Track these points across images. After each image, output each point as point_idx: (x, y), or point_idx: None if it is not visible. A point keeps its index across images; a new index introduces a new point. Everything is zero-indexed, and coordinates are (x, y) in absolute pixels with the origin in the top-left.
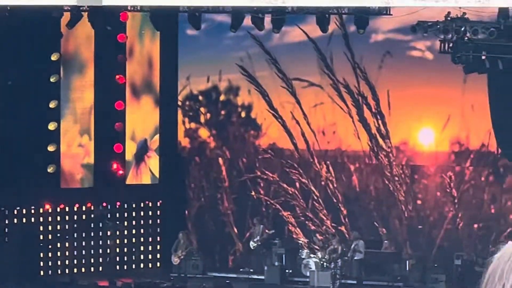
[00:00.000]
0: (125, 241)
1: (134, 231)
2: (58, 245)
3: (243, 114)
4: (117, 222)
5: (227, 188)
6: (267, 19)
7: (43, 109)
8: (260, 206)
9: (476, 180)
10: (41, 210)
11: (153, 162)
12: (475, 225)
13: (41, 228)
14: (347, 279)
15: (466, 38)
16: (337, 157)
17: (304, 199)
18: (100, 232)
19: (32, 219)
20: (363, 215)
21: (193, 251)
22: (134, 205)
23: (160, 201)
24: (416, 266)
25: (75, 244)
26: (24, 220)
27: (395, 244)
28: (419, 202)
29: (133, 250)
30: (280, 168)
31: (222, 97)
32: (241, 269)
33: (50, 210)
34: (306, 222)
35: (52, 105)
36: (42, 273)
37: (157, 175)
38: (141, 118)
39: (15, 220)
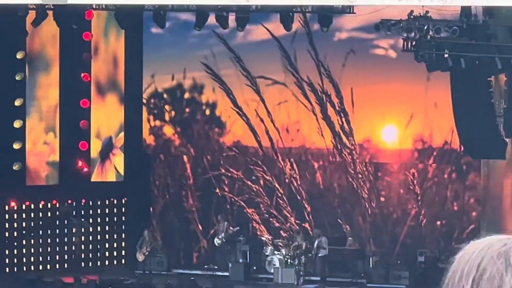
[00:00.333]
0: (90, 238)
1: (99, 228)
2: (24, 242)
3: (207, 112)
4: (82, 219)
5: (191, 185)
6: (231, 17)
7: (9, 107)
8: (224, 203)
9: (439, 177)
10: (6, 208)
11: (118, 160)
12: (438, 222)
13: (7, 225)
14: (311, 275)
15: (429, 37)
16: (301, 155)
17: (268, 196)
18: (65, 229)
19: None
20: (327, 212)
21: (157, 248)
22: (99, 202)
23: (125, 199)
24: (380, 262)
25: (41, 241)
26: None
27: (358, 241)
28: (382, 199)
29: (98, 247)
30: (245, 165)
31: (186, 95)
32: (205, 266)
33: (15, 208)
34: (270, 219)
35: (17, 103)
36: (7, 270)
37: (122, 172)
38: (106, 116)
39: None
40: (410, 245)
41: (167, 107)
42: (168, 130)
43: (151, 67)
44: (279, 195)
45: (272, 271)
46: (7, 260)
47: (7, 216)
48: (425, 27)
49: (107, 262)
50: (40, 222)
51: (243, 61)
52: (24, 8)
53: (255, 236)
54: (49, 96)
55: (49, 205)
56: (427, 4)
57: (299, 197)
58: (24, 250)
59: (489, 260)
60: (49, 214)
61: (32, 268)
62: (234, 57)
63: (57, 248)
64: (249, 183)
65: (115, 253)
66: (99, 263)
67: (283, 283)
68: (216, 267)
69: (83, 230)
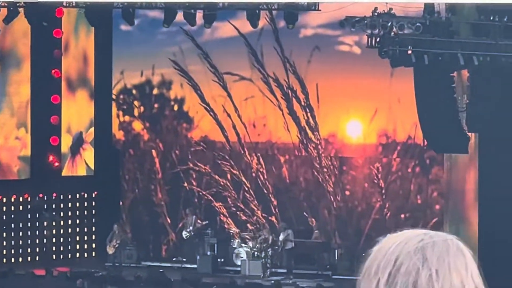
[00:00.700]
0: (61, 231)
1: (70, 222)
2: None
3: (175, 108)
4: (53, 213)
5: (160, 179)
6: (199, 14)
7: None
8: (192, 197)
9: (403, 171)
10: None
11: (88, 154)
12: (402, 215)
13: None
14: (277, 268)
15: (392, 33)
16: (267, 149)
17: (235, 190)
18: (37, 223)
19: None
20: (293, 205)
21: (127, 241)
22: (69, 196)
23: (95, 192)
24: (345, 255)
25: (13, 234)
26: None
27: (324, 233)
28: (347, 193)
29: (69, 240)
30: (212, 160)
31: (155, 91)
32: (174, 259)
33: None
34: (238, 212)
35: None
36: None
37: (92, 167)
38: (76, 112)
39: None
40: (374, 238)
41: (136, 102)
42: (137, 126)
43: (121, 63)
44: (246, 189)
45: (239, 263)
46: None
47: None
48: (389, 24)
49: (77, 255)
50: (12, 216)
51: (210, 57)
52: None
53: (222, 229)
54: (21, 92)
55: (20, 199)
56: (391, 1)
57: (265, 191)
58: None
59: (406, 255)
60: (20, 207)
61: (4, 260)
62: (201, 54)
63: (29, 241)
64: (217, 177)
65: (85, 246)
66: (70, 256)
67: (250, 275)
68: (184, 259)
69: (54, 223)
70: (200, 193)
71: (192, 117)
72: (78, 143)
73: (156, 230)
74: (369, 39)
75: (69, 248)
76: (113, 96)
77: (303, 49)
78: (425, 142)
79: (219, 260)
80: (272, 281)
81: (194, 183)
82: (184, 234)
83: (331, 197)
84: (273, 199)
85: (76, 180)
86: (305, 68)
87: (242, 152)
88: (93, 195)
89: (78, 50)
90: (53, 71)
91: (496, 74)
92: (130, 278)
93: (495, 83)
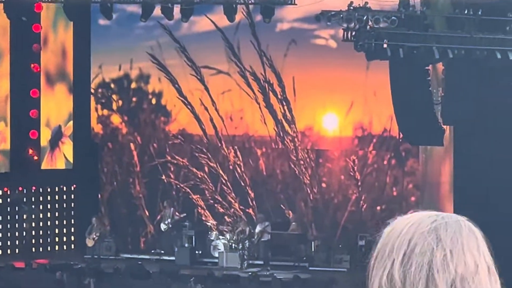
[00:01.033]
0: (41, 224)
1: (49, 215)
2: None
3: (153, 101)
4: (33, 206)
5: (138, 172)
6: (176, 9)
7: None
8: (170, 190)
9: (379, 163)
10: None
11: (67, 148)
12: (378, 207)
13: None
14: (254, 259)
15: (368, 27)
16: (244, 142)
17: (213, 183)
18: (16, 216)
19: None
20: (270, 198)
21: (106, 234)
22: (49, 189)
23: (74, 186)
24: (321, 247)
25: None
26: None
27: (301, 225)
28: (324, 185)
29: (48, 232)
30: (190, 153)
31: (133, 85)
32: (152, 251)
33: None
34: (215, 205)
35: None
36: None
37: (71, 160)
38: (55, 106)
39: None
40: (351, 230)
41: (114, 96)
42: (116, 119)
43: (99, 57)
44: (224, 181)
45: (217, 255)
46: None
47: None
48: (365, 18)
49: (57, 247)
50: None
51: (188, 51)
52: None
53: (200, 222)
54: (0, 87)
55: (0, 192)
56: None
57: (242, 184)
58: None
59: (420, 236)
60: (0, 201)
61: None
62: (179, 48)
63: (8, 234)
64: (194, 170)
65: (64, 239)
66: (49, 248)
67: (227, 267)
68: (162, 251)
69: (33, 216)
70: (178, 186)
71: (170, 110)
72: (57, 136)
73: (135, 222)
74: (345, 33)
75: (48, 240)
76: (92, 90)
77: (280, 43)
78: (401, 135)
79: (197, 252)
80: (250, 273)
81: (172, 176)
82: (162, 226)
83: (308, 189)
84: (250, 192)
85: (55, 174)
86: (282, 61)
87: (220, 145)
88: (72, 188)
89: (57, 45)
90: (32, 65)
91: (471, 67)
92: (109, 270)
93: (470, 76)
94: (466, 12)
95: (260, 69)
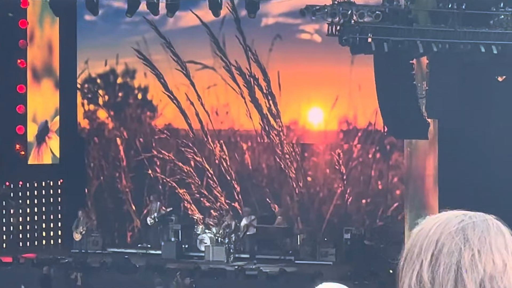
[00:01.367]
0: (28, 218)
1: (36, 209)
2: None
3: (139, 96)
4: (20, 201)
5: (125, 167)
6: (162, 4)
7: None
8: (156, 184)
9: (364, 157)
10: None
11: (53, 143)
12: (363, 201)
13: None
14: (240, 253)
15: (352, 21)
16: (230, 137)
17: (199, 177)
18: (3, 211)
19: None
20: (255, 192)
21: (93, 228)
22: (35, 184)
23: (61, 180)
24: (307, 240)
25: None
26: None
27: (286, 219)
28: (309, 179)
29: (35, 227)
30: (176, 147)
31: (119, 80)
32: (139, 245)
33: None
34: (201, 199)
35: None
36: None
37: (58, 155)
38: (42, 101)
39: None
40: (336, 223)
41: (100, 91)
42: (102, 114)
43: (85, 53)
44: (210, 175)
45: (203, 249)
46: None
47: None
48: (349, 12)
49: (44, 242)
50: None
51: (173, 46)
52: None
53: (186, 216)
54: None
55: None
56: None
57: (228, 178)
58: None
59: (447, 236)
60: None
61: None
62: (164, 43)
63: None
64: (180, 164)
65: (51, 233)
66: (36, 243)
67: (214, 261)
68: (149, 245)
69: (20, 211)
70: (164, 180)
71: (156, 105)
72: (43, 132)
73: (121, 217)
74: (330, 27)
75: (36, 235)
76: (78, 85)
77: (265, 37)
78: (385, 128)
79: (183, 246)
80: (236, 267)
81: (158, 170)
82: (149, 220)
83: (293, 183)
84: (236, 186)
85: (42, 168)
86: (267, 56)
87: (205, 139)
88: (59, 183)
89: (43, 40)
90: (18, 61)
91: (455, 61)
92: (95, 265)
93: (454, 70)
94: (450, 6)
95: (245, 63)
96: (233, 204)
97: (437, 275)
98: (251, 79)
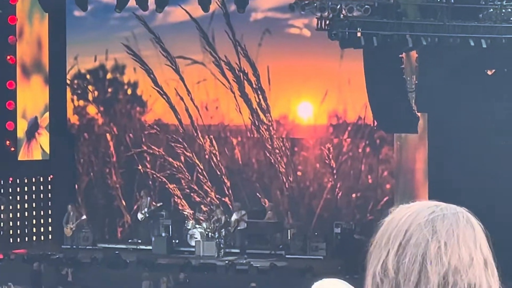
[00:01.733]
0: (18, 215)
1: (26, 205)
2: None
3: (129, 92)
4: (10, 197)
5: (115, 163)
6: (151, 0)
7: None
8: (147, 180)
9: (354, 151)
10: None
11: (43, 139)
12: (353, 195)
13: None
14: (231, 248)
15: (342, 16)
16: (220, 131)
17: (189, 172)
18: None
19: None
20: (246, 186)
21: (83, 224)
22: (26, 180)
23: (51, 176)
24: (297, 235)
25: None
26: None
27: (277, 214)
28: (299, 173)
29: (26, 223)
30: (166, 142)
31: (109, 76)
32: (129, 240)
33: None
34: (191, 194)
35: None
36: None
37: (48, 151)
38: (31, 97)
39: None
40: (326, 218)
41: (90, 87)
42: (92, 110)
43: (74, 49)
44: (200, 170)
45: (193, 244)
46: None
47: None
48: (338, 7)
49: (34, 238)
50: None
51: (163, 42)
52: None
53: (177, 211)
54: None
55: None
56: None
57: (218, 173)
58: None
59: (417, 227)
60: None
61: None
62: (154, 38)
63: None
64: (170, 159)
65: (42, 229)
66: (26, 239)
67: (204, 256)
68: (139, 241)
69: (11, 207)
70: (154, 176)
71: (146, 100)
72: (33, 128)
73: (111, 212)
74: (319, 22)
75: (26, 231)
76: (68, 81)
77: (254, 32)
78: (375, 123)
79: (173, 241)
80: (226, 261)
81: (148, 166)
82: (139, 216)
83: (283, 177)
84: (226, 181)
85: (32, 164)
86: (256, 51)
87: (195, 134)
88: (49, 179)
89: (33, 36)
90: (8, 57)
91: (444, 54)
92: (86, 260)
93: (443, 64)
94: (439, 0)
95: (235, 58)
96: (223, 199)
97: (402, 265)
98: (241, 74)
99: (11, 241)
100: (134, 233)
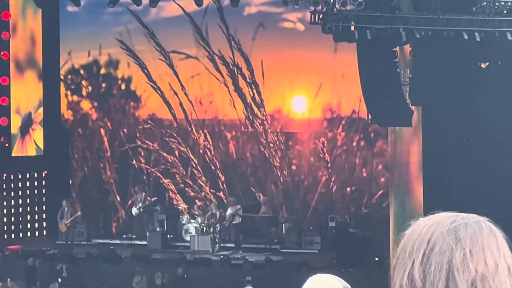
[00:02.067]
0: (12, 210)
1: (20, 201)
2: None
3: (123, 87)
4: (4, 193)
5: (109, 158)
6: None
7: None
8: (141, 175)
9: (348, 145)
10: None
11: (37, 135)
12: (348, 189)
13: None
14: (226, 242)
15: (335, 10)
16: (214, 126)
17: (183, 167)
18: None
19: None
20: (240, 181)
21: (78, 219)
22: (20, 176)
23: (45, 172)
24: (292, 229)
25: None
26: None
27: (271, 208)
28: (294, 167)
29: (20, 219)
30: (160, 137)
31: (102, 71)
32: (124, 235)
33: None
34: (186, 189)
35: None
36: None
37: (42, 147)
38: (25, 93)
39: None
40: (321, 211)
41: (84, 82)
42: (86, 105)
43: (68, 44)
44: (194, 165)
45: (188, 239)
46: None
47: None
48: (332, 0)
49: (29, 234)
50: None
51: (156, 36)
52: None
53: (171, 206)
54: None
55: None
56: None
57: (213, 167)
58: None
59: (439, 235)
60: None
61: None
62: (147, 33)
63: None
64: (165, 154)
65: (36, 225)
66: (21, 235)
67: (199, 251)
68: (134, 236)
69: (5, 203)
70: (149, 170)
71: (140, 95)
72: (27, 123)
73: (106, 207)
74: (312, 16)
75: (20, 227)
76: (61, 77)
77: (248, 26)
78: (369, 116)
79: (168, 236)
80: (221, 256)
81: (142, 161)
82: (134, 211)
83: (278, 172)
84: (220, 175)
85: (26, 160)
86: (250, 45)
87: (189, 129)
88: (43, 175)
89: (26, 32)
90: (1, 53)
91: (437, 48)
92: (81, 256)
93: (437, 57)
94: None
95: (229, 53)
96: (218, 193)
97: (428, 274)
98: (235, 68)
99: (6, 237)
100: (128, 228)
